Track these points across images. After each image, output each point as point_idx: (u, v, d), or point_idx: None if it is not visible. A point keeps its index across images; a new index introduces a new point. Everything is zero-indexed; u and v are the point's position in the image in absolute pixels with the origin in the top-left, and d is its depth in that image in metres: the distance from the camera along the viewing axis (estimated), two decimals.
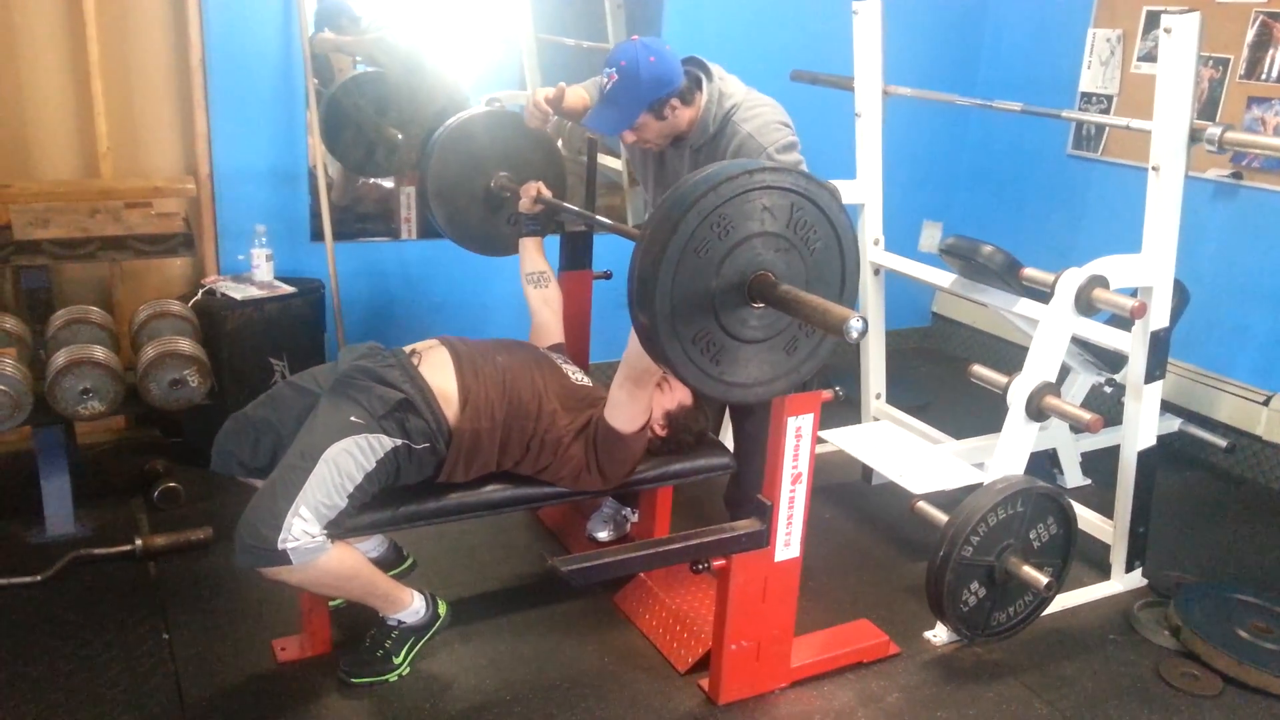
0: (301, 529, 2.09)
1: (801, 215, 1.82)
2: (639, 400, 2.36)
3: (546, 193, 2.79)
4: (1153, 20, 4.04)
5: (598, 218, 2.72)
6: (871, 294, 3.65)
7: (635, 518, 3.02)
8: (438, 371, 2.37)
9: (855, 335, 1.64)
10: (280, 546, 2.07)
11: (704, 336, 1.81)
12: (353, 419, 2.20)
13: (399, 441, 2.23)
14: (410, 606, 2.41)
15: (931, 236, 3.52)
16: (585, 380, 2.58)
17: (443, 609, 2.49)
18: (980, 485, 2.61)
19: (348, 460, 2.16)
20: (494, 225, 3.04)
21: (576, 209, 2.83)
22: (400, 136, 3.80)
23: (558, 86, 2.64)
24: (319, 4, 3.52)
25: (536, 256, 2.88)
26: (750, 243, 1.79)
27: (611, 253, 3.06)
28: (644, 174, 2.82)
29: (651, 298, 1.73)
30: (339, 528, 2.18)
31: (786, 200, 1.80)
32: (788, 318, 1.87)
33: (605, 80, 2.46)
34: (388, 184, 3.94)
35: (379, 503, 2.26)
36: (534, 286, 2.84)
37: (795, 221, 1.82)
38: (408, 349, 2.45)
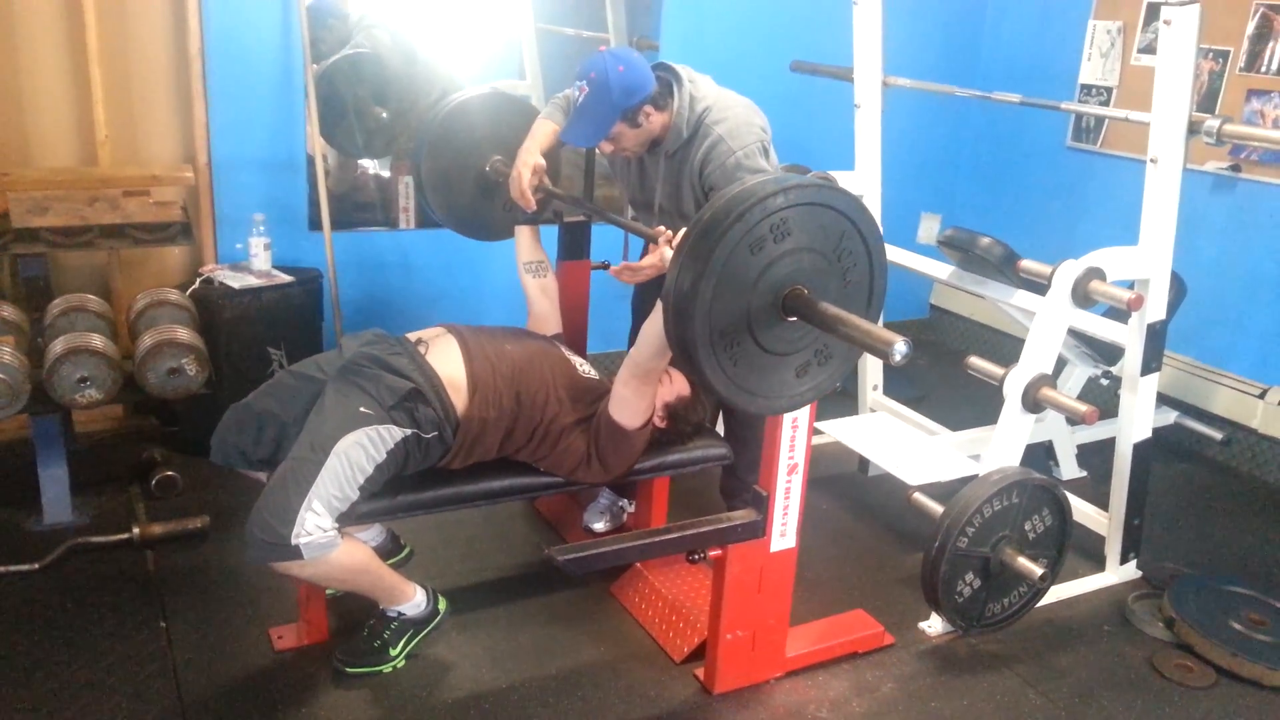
0: (314, 523, 2.09)
1: (849, 245, 1.82)
2: (645, 396, 2.37)
3: (545, 180, 2.68)
4: (1153, 12, 4.03)
5: (606, 212, 2.64)
6: None
7: (632, 508, 3.02)
8: (446, 360, 2.36)
9: (899, 358, 1.63)
10: (293, 541, 2.07)
11: (733, 336, 1.79)
12: (362, 409, 2.19)
13: (408, 431, 2.23)
14: (412, 600, 2.42)
15: (930, 228, 3.51)
16: (592, 373, 2.58)
17: (442, 605, 2.49)
18: (976, 477, 2.62)
19: (359, 452, 2.16)
20: (488, 210, 2.97)
21: (579, 198, 2.74)
22: (385, 115, 3.77)
23: (531, 167, 2.60)
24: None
25: (533, 245, 2.83)
26: (799, 255, 1.76)
27: (609, 243, 3.05)
28: (625, 181, 2.81)
29: (698, 283, 1.68)
30: (349, 518, 2.19)
31: (840, 225, 1.79)
32: (806, 342, 1.85)
33: (577, 93, 2.45)
34: (385, 173, 3.93)
35: (377, 491, 2.26)
36: (532, 276, 2.80)
37: (842, 250, 1.82)
38: (412, 337, 2.44)
